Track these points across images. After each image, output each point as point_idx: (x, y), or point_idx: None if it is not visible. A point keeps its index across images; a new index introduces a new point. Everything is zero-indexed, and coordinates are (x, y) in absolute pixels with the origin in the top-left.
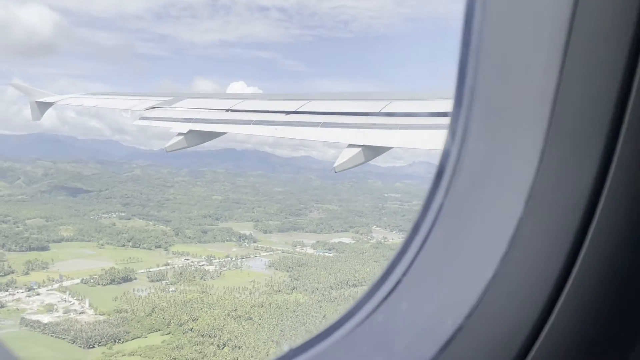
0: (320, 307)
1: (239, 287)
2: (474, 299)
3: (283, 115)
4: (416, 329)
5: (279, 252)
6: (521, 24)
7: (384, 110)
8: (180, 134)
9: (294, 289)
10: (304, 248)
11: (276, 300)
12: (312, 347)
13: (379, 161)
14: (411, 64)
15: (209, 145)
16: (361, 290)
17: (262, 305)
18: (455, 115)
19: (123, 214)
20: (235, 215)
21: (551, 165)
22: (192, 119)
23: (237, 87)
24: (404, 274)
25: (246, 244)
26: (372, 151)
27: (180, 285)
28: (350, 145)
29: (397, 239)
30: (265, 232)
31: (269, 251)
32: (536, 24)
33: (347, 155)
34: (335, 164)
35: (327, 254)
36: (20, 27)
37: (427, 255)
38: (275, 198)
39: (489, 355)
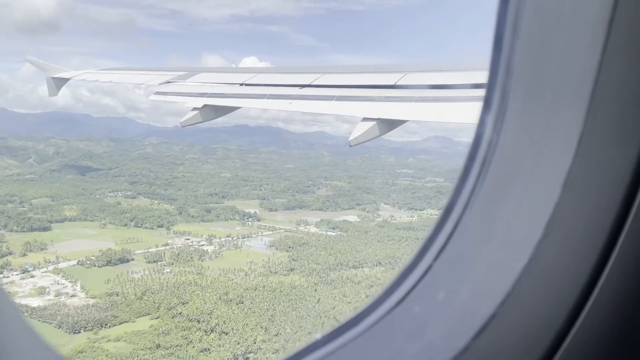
0: (315, 290)
1: (236, 269)
2: (508, 286)
3: (297, 88)
4: (449, 316)
5: (282, 231)
6: (563, 2)
7: (399, 83)
8: (195, 108)
9: (291, 270)
10: (308, 227)
11: (271, 283)
12: (345, 332)
13: (394, 136)
14: (427, 37)
15: (222, 121)
16: (361, 273)
17: (256, 289)
18: (489, 95)
19: (129, 193)
20: (242, 193)
21: (590, 149)
22: (206, 93)
23: (249, 62)
24: (435, 259)
25: (250, 223)
26: (387, 124)
27: (176, 266)
28: (365, 119)
29: (404, 217)
30: (271, 210)
31: (272, 230)
32: (579, 3)
33: (361, 129)
34: (350, 138)
35: (330, 233)
36: (22, 5)
37: (459, 241)
38: (285, 175)
39: (522, 343)
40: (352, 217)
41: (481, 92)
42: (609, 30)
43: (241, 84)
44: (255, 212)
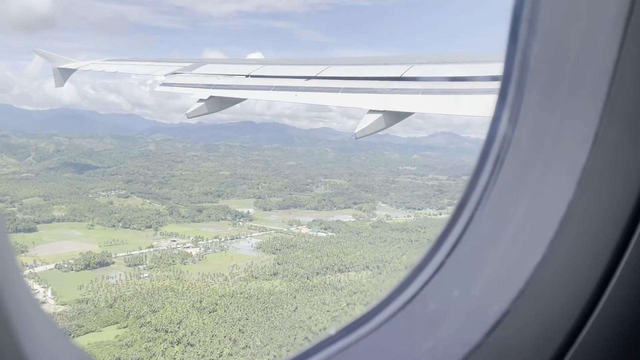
0: (294, 297)
1: (216, 274)
2: (522, 282)
3: (303, 80)
4: (462, 312)
5: (272, 232)
6: None
7: (405, 75)
8: (201, 100)
9: (274, 274)
10: (299, 227)
11: (250, 289)
12: (358, 328)
13: (400, 132)
14: (434, 31)
15: (228, 117)
16: (345, 278)
17: (233, 295)
18: (504, 90)
19: (122, 192)
20: (238, 191)
21: (605, 146)
22: (212, 84)
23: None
24: (448, 255)
25: (241, 223)
26: (393, 117)
27: (156, 271)
28: (371, 111)
29: (401, 217)
30: (265, 209)
31: (262, 231)
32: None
33: (367, 121)
34: (356, 130)
35: (321, 234)
36: (17, 2)
37: (472, 237)
38: (284, 173)
39: (536, 340)
40: (346, 217)
41: (489, 85)
42: (627, 27)
43: (247, 76)
44: (249, 212)
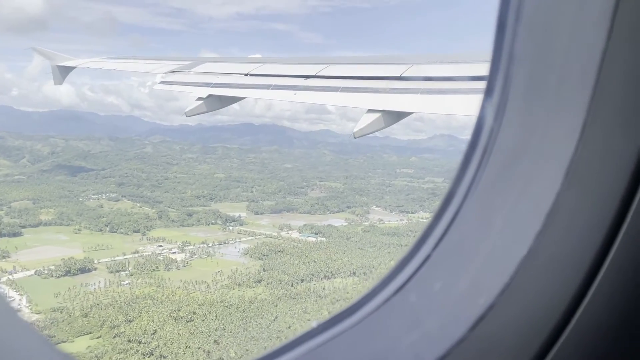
0: (276, 306)
1: (199, 280)
2: (507, 276)
3: (302, 79)
4: (447, 306)
5: (262, 236)
6: None
7: (404, 75)
8: (199, 98)
9: (259, 281)
10: (290, 232)
11: (231, 297)
12: (341, 321)
13: (400, 134)
14: (433, 33)
15: (227, 119)
16: (330, 285)
17: (212, 304)
18: (491, 83)
19: (113, 195)
20: (231, 195)
21: (593, 139)
22: (211, 83)
23: None
24: (434, 248)
25: (231, 228)
26: (392, 116)
27: (138, 277)
28: (370, 110)
29: (393, 221)
30: (257, 213)
31: (252, 236)
32: None
33: (366, 120)
34: (355, 129)
35: (311, 239)
36: (8, 3)
37: (458, 230)
38: (280, 175)
39: (521, 334)
40: (338, 221)
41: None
42: (613, 21)
43: (246, 74)
44: (240, 216)
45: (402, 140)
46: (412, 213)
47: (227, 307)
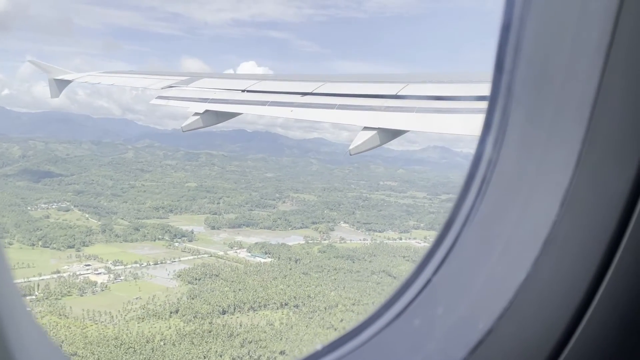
0: (175, 346)
1: (106, 310)
2: (505, 301)
3: (299, 96)
4: (446, 330)
5: (206, 256)
6: (564, 26)
7: (400, 93)
8: (196, 113)
9: (175, 312)
10: (239, 251)
11: (131, 333)
12: (343, 344)
13: (394, 144)
14: (428, 45)
15: (221, 125)
16: (254, 318)
17: (103, 342)
18: (490, 113)
19: (64, 205)
20: (194, 206)
21: (588, 169)
22: (208, 99)
23: (248, 67)
24: (434, 273)
25: (177, 244)
26: (388, 134)
27: (43, 303)
28: (366, 128)
29: (356, 240)
30: (213, 228)
31: (195, 254)
32: (579, 28)
33: (362, 138)
34: (350, 147)
35: (259, 260)
36: None
37: (458, 256)
38: (256, 186)
39: (520, 358)
40: (296, 239)
41: (482, 105)
42: (608, 54)
43: (243, 90)
44: (193, 231)
45: (395, 151)
46: (379, 232)
47: (117, 346)
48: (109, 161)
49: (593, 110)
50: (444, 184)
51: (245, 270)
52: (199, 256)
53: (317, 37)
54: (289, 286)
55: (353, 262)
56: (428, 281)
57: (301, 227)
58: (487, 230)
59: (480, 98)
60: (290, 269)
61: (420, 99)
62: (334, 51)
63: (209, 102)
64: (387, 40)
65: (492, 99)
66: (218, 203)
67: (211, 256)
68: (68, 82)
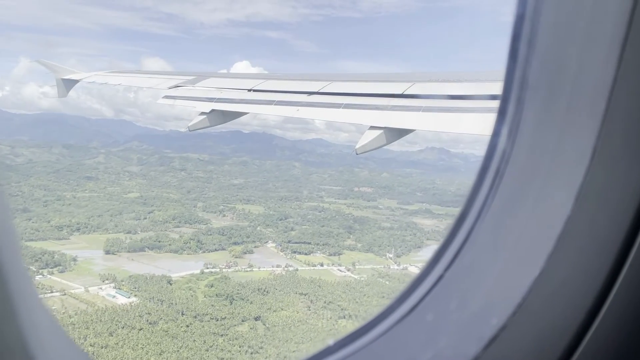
0: None
1: None
2: (519, 297)
3: (305, 95)
4: (459, 326)
5: (57, 294)
6: (579, 18)
7: (406, 92)
8: (202, 113)
9: None
10: (104, 287)
11: None
12: (356, 339)
13: (393, 145)
14: (425, 44)
15: (219, 126)
16: None
17: None
18: (503, 106)
19: None
20: (111, 223)
21: (603, 163)
22: (214, 98)
23: (241, 67)
24: (447, 269)
25: (41, 277)
26: (394, 133)
27: None
28: (372, 127)
29: (267, 268)
30: (109, 252)
31: (49, 291)
32: (594, 19)
33: (368, 137)
34: (357, 146)
35: (121, 300)
36: None
37: (470, 251)
38: (207, 195)
39: (533, 355)
40: (193, 268)
41: (489, 103)
42: (624, 47)
43: (249, 90)
44: (76, 258)
45: (393, 152)
46: (306, 254)
47: None
48: (60, 168)
49: (608, 102)
50: (423, 191)
51: (88, 318)
52: (51, 294)
53: (314, 37)
54: (120, 344)
55: (231, 303)
56: (441, 276)
57: (216, 250)
58: (501, 224)
59: (489, 97)
60: (139, 320)
61: (427, 98)
62: (332, 51)
63: (215, 102)
64: (385, 40)
65: (506, 91)
66: (145, 218)
67: (66, 295)
68: (75, 81)
